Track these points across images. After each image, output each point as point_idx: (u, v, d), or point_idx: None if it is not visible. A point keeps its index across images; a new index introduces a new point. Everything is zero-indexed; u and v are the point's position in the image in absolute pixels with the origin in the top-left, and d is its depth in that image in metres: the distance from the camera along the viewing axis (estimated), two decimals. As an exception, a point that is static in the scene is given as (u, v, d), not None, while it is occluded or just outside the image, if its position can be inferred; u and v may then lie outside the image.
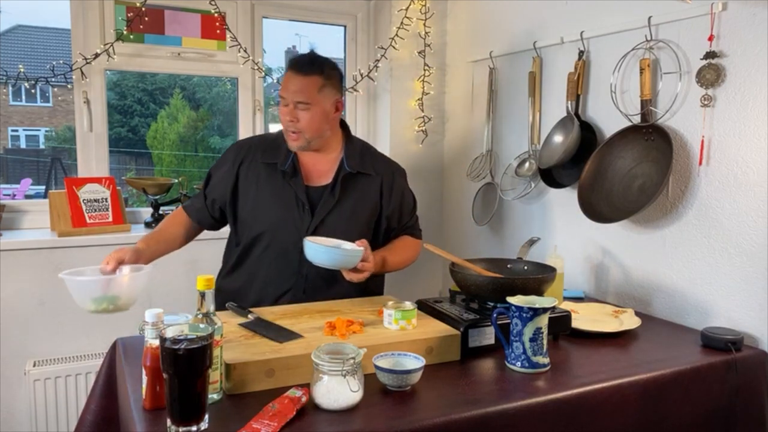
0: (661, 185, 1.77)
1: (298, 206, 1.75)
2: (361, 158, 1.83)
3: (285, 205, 1.74)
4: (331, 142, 1.81)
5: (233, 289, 1.81)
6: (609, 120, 2.02)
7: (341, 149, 1.83)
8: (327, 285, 1.77)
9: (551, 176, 2.23)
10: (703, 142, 1.74)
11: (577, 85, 2.09)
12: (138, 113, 5.72)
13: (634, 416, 1.34)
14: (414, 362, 1.27)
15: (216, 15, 2.45)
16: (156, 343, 1.10)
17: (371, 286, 1.84)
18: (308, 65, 1.72)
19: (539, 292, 1.53)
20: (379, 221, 1.86)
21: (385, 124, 2.86)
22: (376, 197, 1.83)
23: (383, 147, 2.89)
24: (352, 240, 1.66)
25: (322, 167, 1.81)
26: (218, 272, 1.91)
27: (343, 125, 1.88)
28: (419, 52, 2.77)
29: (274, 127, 3.22)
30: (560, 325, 1.56)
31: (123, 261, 1.56)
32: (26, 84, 2.27)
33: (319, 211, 1.76)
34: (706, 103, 1.71)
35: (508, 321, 1.39)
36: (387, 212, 1.85)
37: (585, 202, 1.98)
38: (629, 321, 1.70)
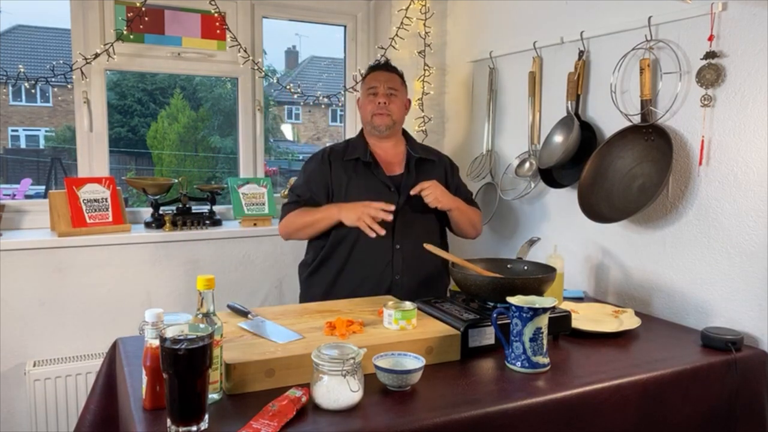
0: (661, 185, 1.77)
1: (386, 188, 2.02)
2: (421, 148, 2.17)
3: (374, 189, 2.00)
4: (399, 135, 2.15)
5: (327, 280, 2.01)
6: (609, 120, 2.02)
7: (404, 143, 2.15)
8: (419, 258, 1.95)
9: (551, 176, 2.23)
10: (703, 142, 1.73)
11: (577, 85, 2.09)
12: (138, 113, 5.70)
13: (634, 416, 1.34)
14: (414, 362, 1.27)
15: (216, 15, 2.45)
16: (156, 343, 1.10)
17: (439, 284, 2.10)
18: (391, 66, 2.15)
19: (539, 292, 1.53)
20: None
21: (385, 124, 2.86)
22: (442, 178, 2.10)
23: (383, 147, 2.89)
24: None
25: (392, 159, 2.10)
26: (304, 270, 2.11)
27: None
28: (419, 52, 2.76)
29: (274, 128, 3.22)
30: (560, 325, 1.56)
31: None
32: (26, 84, 2.27)
33: (403, 190, 2.01)
34: (706, 103, 1.71)
35: (508, 321, 1.40)
36: (452, 189, 2.10)
37: (585, 202, 1.98)
38: (629, 321, 1.70)
